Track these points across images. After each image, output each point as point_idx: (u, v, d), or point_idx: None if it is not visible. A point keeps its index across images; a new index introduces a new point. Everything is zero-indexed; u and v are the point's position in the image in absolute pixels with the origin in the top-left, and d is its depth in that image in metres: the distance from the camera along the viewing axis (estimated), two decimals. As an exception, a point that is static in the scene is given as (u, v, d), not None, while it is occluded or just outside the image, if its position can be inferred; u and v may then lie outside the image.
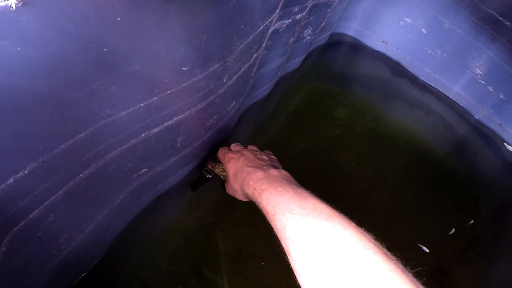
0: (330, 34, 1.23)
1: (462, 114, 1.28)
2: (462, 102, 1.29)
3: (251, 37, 0.54)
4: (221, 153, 0.65)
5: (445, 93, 1.29)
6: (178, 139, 0.55)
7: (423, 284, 0.36)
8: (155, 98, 0.43)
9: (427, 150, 1.11)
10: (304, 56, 1.05)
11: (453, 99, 1.29)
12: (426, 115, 1.23)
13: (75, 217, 0.51)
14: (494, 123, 1.25)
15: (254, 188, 0.51)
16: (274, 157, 0.64)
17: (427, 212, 0.95)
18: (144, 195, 0.64)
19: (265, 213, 0.48)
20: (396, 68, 1.32)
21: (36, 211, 0.43)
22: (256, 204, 0.51)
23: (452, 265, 0.88)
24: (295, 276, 0.73)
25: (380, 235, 0.86)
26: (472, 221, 0.97)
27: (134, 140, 0.48)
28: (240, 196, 0.59)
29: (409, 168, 1.03)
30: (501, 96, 1.19)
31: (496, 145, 1.24)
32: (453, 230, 0.95)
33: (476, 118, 1.27)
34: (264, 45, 0.65)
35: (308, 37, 0.94)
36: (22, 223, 0.42)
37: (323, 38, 1.20)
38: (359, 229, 0.41)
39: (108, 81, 0.37)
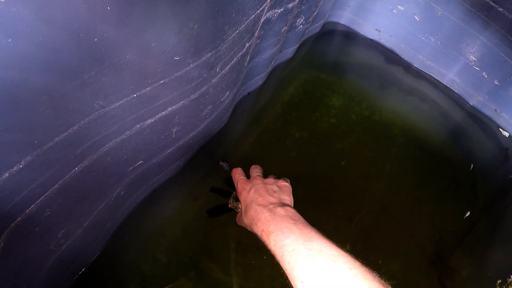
0: (323, 23, 1.23)
1: (457, 100, 1.28)
2: (456, 89, 1.29)
3: (243, 26, 0.55)
4: (235, 177, 0.66)
5: (440, 80, 1.30)
6: (173, 130, 0.55)
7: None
8: (148, 89, 0.43)
9: (423, 137, 1.12)
10: (298, 45, 1.05)
11: (448, 85, 1.30)
12: (421, 102, 1.24)
13: (72, 211, 0.51)
14: (489, 109, 1.26)
15: (263, 230, 0.53)
16: (287, 185, 0.64)
17: (424, 199, 0.96)
18: (140, 188, 0.64)
19: (273, 254, 0.50)
20: (390, 56, 1.32)
21: (32, 206, 0.43)
22: (265, 244, 0.52)
23: (451, 252, 0.88)
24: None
25: (378, 224, 0.87)
26: (468, 213, 0.98)
27: (128, 132, 0.48)
28: (249, 230, 0.60)
29: (406, 155, 1.03)
30: (496, 82, 1.19)
31: (491, 131, 1.25)
32: (468, 212, 0.97)
33: (471, 104, 1.28)
34: (256, 34, 0.65)
35: (301, 26, 0.94)
36: (19, 218, 0.42)
37: (316, 27, 1.20)
38: (364, 268, 0.42)
39: (100, 72, 0.37)
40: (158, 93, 0.45)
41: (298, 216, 0.54)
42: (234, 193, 0.71)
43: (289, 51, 1.03)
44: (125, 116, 0.45)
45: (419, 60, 1.29)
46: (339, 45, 1.30)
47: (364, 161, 0.97)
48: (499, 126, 1.26)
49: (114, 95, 0.41)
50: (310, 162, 0.91)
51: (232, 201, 0.71)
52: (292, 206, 0.59)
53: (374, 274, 0.42)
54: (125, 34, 0.35)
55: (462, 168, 1.09)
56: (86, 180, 0.49)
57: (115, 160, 0.51)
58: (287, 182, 0.65)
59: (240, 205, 0.66)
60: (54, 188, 0.45)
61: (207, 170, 0.80)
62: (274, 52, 0.84)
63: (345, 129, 1.02)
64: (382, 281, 0.41)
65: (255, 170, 0.67)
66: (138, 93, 0.43)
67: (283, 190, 0.62)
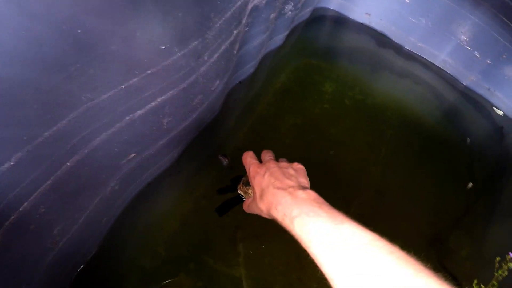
0: (312, 9, 1.23)
1: (450, 81, 1.29)
2: (449, 69, 1.29)
3: (229, 13, 0.54)
4: (247, 161, 0.62)
5: (432, 61, 1.30)
6: (164, 121, 0.55)
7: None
8: (135, 79, 0.43)
9: (418, 119, 1.12)
10: (287, 32, 1.04)
11: (440, 66, 1.30)
12: (414, 84, 1.24)
13: (66, 207, 0.51)
14: (483, 89, 1.26)
15: (285, 215, 0.49)
16: (302, 168, 0.61)
17: (421, 181, 0.96)
18: (135, 182, 0.64)
19: (299, 240, 0.46)
20: (381, 39, 1.32)
21: (26, 203, 0.43)
22: (287, 230, 0.49)
23: (449, 232, 0.89)
24: (292, 255, 0.74)
25: (375, 207, 0.87)
26: (471, 184, 0.99)
27: (119, 124, 0.48)
28: (265, 216, 0.57)
29: (401, 138, 1.04)
30: (488, 61, 1.20)
31: (485, 110, 1.26)
32: (471, 184, 0.97)
33: (464, 84, 1.28)
34: (244, 21, 0.65)
35: (290, 12, 0.94)
36: (13, 217, 0.42)
37: (305, 13, 1.19)
38: (404, 252, 0.39)
39: (86, 63, 0.37)
40: (146, 83, 0.45)
41: (321, 199, 0.51)
42: (243, 178, 0.68)
43: (279, 38, 1.03)
44: (114, 108, 0.45)
45: (410, 42, 1.30)
46: (329, 31, 1.30)
47: (359, 145, 0.97)
48: (493, 105, 1.26)
49: (101, 87, 0.41)
50: (305, 149, 0.91)
51: (242, 186, 0.67)
52: None
53: (415, 258, 0.38)
54: (109, 24, 0.35)
55: (457, 149, 1.10)
56: (79, 175, 0.49)
57: (107, 154, 0.51)
58: (301, 165, 0.61)
59: (250, 191, 0.64)
60: (46, 184, 0.45)
61: (203, 161, 0.80)
62: (263, 39, 0.84)
63: (339, 114, 1.02)
64: (425, 265, 0.38)
65: (268, 154, 0.64)
66: (125, 84, 0.43)
67: (299, 173, 0.59)
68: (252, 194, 0.61)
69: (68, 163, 0.46)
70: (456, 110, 1.23)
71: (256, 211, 0.58)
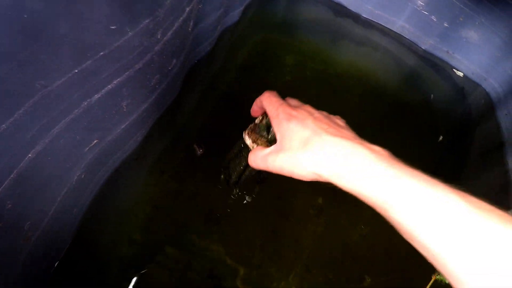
0: (267, -17, 1.23)
1: (409, 46, 1.32)
2: (407, 35, 1.33)
3: (179, -11, 0.55)
4: (273, 100, 0.51)
5: (390, 28, 1.33)
6: (123, 103, 0.56)
7: None
8: (88, 62, 0.44)
9: (380, 85, 1.15)
10: (243, 7, 1.05)
11: (398, 32, 1.33)
12: (374, 51, 1.27)
13: (34, 200, 0.51)
14: (442, 52, 1.31)
15: (351, 171, 0.39)
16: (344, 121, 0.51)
17: (389, 146, 1.00)
18: (101, 169, 0.64)
19: (374, 204, 0.39)
20: (338, 9, 1.34)
21: (-10, 201, 0.43)
22: (352, 191, 0.40)
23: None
24: (269, 231, 0.76)
25: None
26: (441, 137, 1.03)
27: (76, 110, 0.48)
28: (299, 172, 0.43)
29: (365, 105, 1.07)
30: (445, 24, 1.24)
31: (446, 73, 1.30)
32: (441, 137, 1.02)
33: (424, 48, 1.32)
34: (196, -2, 0.66)
35: (244, -12, 0.95)
36: (-21, 216, 0.43)
37: (261, -12, 1.20)
38: None
39: (35, 49, 0.37)
40: (100, 66, 0.46)
41: (395, 157, 0.41)
42: (252, 125, 0.56)
43: (235, 14, 1.03)
44: (70, 94, 0.45)
45: (367, 10, 1.32)
46: (286, 4, 1.31)
47: (324, 114, 1.00)
48: (452, 67, 1.31)
49: (54, 72, 0.41)
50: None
51: (250, 133, 0.55)
52: None
53: None
54: (55, 7, 0.36)
55: (421, 111, 1.14)
56: (42, 166, 0.49)
57: (68, 142, 0.51)
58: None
59: (262, 140, 0.53)
60: (10, 178, 0.45)
61: (168, 142, 0.81)
62: (218, 15, 0.84)
63: (302, 86, 1.05)
64: None
65: (296, 100, 0.54)
66: (79, 68, 0.43)
67: (347, 125, 0.49)
68: (265, 143, 0.51)
69: (30, 155, 0.46)
70: (418, 74, 1.27)
71: (285, 166, 0.45)
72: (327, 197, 0.83)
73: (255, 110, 0.58)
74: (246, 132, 0.56)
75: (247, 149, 0.55)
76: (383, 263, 0.79)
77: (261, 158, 0.48)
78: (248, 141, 0.55)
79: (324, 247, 0.77)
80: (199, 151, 0.79)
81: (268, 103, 0.51)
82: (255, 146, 0.53)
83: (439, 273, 0.81)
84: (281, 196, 0.81)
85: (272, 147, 0.48)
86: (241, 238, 0.74)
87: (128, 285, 0.65)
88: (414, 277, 0.79)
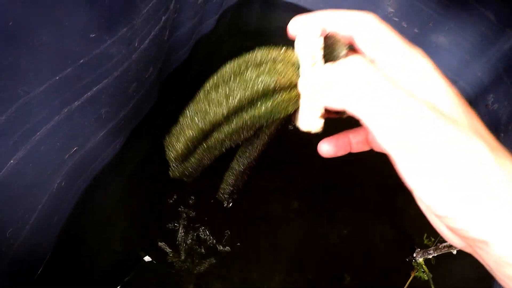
0: (240, -8, 1.27)
1: (381, 51, 1.38)
2: (379, 41, 1.38)
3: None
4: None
5: (361, 34, 1.38)
6: (102, 111, 0.58)
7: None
8: (69, 69, 0.46)
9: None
10: (217, 16, 1.08)
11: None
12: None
13: (15, 207, 0.52)
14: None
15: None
16: None
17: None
18: (81, 176, 0.66)
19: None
20: (309, 16, 1.39)
21: (-28, 208, 0.45)
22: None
23: (396, 193, 0.97)
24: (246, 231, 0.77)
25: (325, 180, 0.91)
26: None
27: (57, 117, 0.50)
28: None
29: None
30: (416, 30, 1.29)
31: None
32: None
33: (394, 53, 1.38)
34: (172, 7, 0.69)
35: (217, -3, 0.98)
36: (-40, 224, 0.44)
37: (234, -4, 1.24)
38: None
39: (18, 56, 0.39)
40: (79, 73, 0.48)
41: None
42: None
43: (210, 23, 1.06)
44: (51, 100, 0.47)
45: (338, 17, 1.37)
46: (260, 12, 1.35)
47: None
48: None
49: (36, 79, 0.43)
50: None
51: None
52: None
53: None
54: (37, 14, 0.38)
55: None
56: (24, 172, 0.51)
57: (49, 148, 0.53)
58: None
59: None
60: (-8, 185, 0.47)
61: (146, 151, 0.82)
62: (193, 24, 0.87)
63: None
64: None
65: None
66: (60, 75, 0.46)
67: None
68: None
69: (12, 161, 0.48)
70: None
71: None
72: (304, 200, 0.86)
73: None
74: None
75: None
76: (362, 262, 0.82)
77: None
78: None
79: (304, 250, 0.80)
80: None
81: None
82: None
83: (418, 270, 0.85)
84: (259, 201, 0.83)
85: None
86: (222, 244, 0.77)
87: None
88: (393, 274, 0.82)
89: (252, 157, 0.43)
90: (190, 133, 0.38)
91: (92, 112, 0.56)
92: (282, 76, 0.33)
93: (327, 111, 0.33)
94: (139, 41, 0.58)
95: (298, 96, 0.34)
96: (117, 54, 0.53)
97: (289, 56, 0.35)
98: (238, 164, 0.44)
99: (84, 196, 0.70)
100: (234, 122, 0.36)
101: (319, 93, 0.31)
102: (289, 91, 0.34)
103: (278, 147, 0.92)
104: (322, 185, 0.91)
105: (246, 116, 0.35)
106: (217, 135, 0.37)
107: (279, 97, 0.34)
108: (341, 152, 0.39)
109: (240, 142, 0.39)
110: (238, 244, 0.77)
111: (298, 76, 0.34)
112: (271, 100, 0.34)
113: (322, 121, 0.32)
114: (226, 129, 0.36)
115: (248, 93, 0.34)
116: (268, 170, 0.87)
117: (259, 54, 0.36)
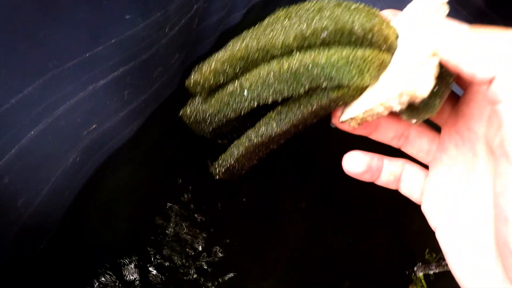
0: (270, -12, 1.27)
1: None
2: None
3: (189, -13, 0.59)
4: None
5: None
6: (125, 92, 0.58)
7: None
8: (100, 48, 0.47)
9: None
10: (245, 11, 1.08)
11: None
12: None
13: (30, 178, 0.53)
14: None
15: None
16: None
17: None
18: (96, 154, 0.67)
19: None
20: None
21: (-10, 173, 0.46)
22: None
23: (401, 209, 0.97)
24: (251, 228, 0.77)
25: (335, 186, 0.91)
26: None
27: (82, 93, 0.51)
28: None
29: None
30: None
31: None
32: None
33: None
34: (204, -4, 0.69)
35: (247, -10, 0.98)
36: (-23, 188, 0.45)
37: (264, -8, 1.23)
38: None
39: (54, 30, 0.40)
40: (110, 52, 0.49)
41: None
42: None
43: (237, 16, 1.06)
44: (78, 76, 0.48)
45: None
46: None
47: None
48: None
49: (67, 54, 0.44)
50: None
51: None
52: None
53: None
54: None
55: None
56: (42, 144, 0.51)
57: (69, 123, 0.53)
58: None
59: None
60: (11, 153, 0.47)
61: (161, 135, 0.83)
62: (222, 16, 0.87)
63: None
64: None
65: None
66: (90, 52, 0.46)
67: None
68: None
69: (32, 132, 0.49)
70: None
71: None
72: (312, 203, 0.86)
73: None
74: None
75: None
76: (362, 270, 0.83)
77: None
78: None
79: (305, 251, 0.80)
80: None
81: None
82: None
83: (416, 284, 0.85)
84: (266, 198, 0.83)
85: None
86: (225, 235, 0.77)
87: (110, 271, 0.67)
88: (392, 285, 0.82)
89: (278, 131, 0.33)
90: (225, 55, 0.32)
91: (116, 92, 0.57)
92: (381, 26, 0.26)
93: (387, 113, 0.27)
94: (170, 27, 0.58)
95: (383, 64, 0.27)
96: (147, 38, 0.53)
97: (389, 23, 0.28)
98: (256, 134, 0.35)
99: (96, 174, 0.70)
100: (281, 63, 0.29)
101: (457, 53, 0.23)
102: (379, 52, 0.26)
103: (299, 143, 0.92)
104: (333, 191, 0.91)
105: (303, 57, 0.27)
106: (254, 76, 0.30)
107: (361, 52, 0.26)
108: (367, 176, 0.35)
109: (277, 100, 0.31)
110: (241, 238, 0.78)
111: (396, 37, 0.27)
112: (346, 51, 0.26)
113: (433, 81, 0.23)
114: (267, 69, 0.29)
115: (323, 25, 0.26)
116: (282, 163, 0.88)
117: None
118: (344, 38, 0.26)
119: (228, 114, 0.33)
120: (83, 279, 0.66)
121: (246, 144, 0.35)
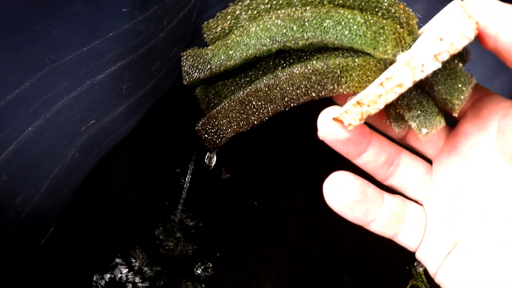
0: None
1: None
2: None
3: (188, -21, 0.58)
4: None
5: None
6: (123, 86, 0.58)
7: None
8: (97, 42, 0.46)
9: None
10: (243, 3, 1.08)
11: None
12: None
13: (28, 175, 0.53)
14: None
15: None
16: None
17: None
18: (95, 150, 0.66)
19: None
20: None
21: (-13, 171, 0.45)
22: None
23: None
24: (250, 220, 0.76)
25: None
26: None
27: (79, 89, 0.50)
28: None
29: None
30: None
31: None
32: None
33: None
34: (202, -11, 0.68)
35: (245, -17, 0.97)
36: (-26, 185, 0.45)
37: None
38: None
39: (50, 24, 0.39)
40: (107, 46, 0.48)
41: None
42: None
43: (236, 10, 1.06)
44: (75, 71, 0.48)
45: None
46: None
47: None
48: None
49: (64, 48, 0.43)
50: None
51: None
52: None
53: None
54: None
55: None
56: (40, 141, 0.51)
57: (68, 119, 0.53)
58: None
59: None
60: (9, 150, 0.47)
61: (161, 131, 0.83)
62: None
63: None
64: None
65: None
66: (87, 47, 0.46)
67: None
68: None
69: (30, 128, 0.48)
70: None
71: None
72: (311, 196, 0.86)
73: None
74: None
75: None
76: (364, 266, 0.82)
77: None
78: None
79: (305, 245, 0.80)
80: (225, 175, 0.80)
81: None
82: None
83: (416, 279, 0.85)
84: (265, 192, 0.83)
85: None
86: (224, 231, 0.77)
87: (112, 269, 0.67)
88: (392, 280, 0.82)
89: (262, 85, 0.31)
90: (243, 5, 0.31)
91: (114, 87, 0.56)
92: (406, 7, 0.26)
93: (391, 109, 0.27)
94: (168, 20, 0.58)
95: (402, 42, 0.25)
96: (145, 31, 0.53)
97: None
98: (243, 88, 0.33)
99: (95, 170, 0.70)
100: (294, 10, 0.27)
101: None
102: (400, 28, 0.25)
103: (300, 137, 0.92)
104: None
105: (316, 10, 0.26)
106: (264, 22, 0.29)
107: (381, 20, 0.25)
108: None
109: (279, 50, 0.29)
110: (241, 233, 0.78)
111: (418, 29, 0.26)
112: (362, 15, 0.25)
113: (475, 27, 0.24)
114: (275, 16, 0.28)
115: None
116: (282, 157, 0.87)
117: None
118: (364, 3, 0.25)
119: (230, 57, 0.32)
120: (82, 276, 0.66)
121: (230, 96, 0.35)
